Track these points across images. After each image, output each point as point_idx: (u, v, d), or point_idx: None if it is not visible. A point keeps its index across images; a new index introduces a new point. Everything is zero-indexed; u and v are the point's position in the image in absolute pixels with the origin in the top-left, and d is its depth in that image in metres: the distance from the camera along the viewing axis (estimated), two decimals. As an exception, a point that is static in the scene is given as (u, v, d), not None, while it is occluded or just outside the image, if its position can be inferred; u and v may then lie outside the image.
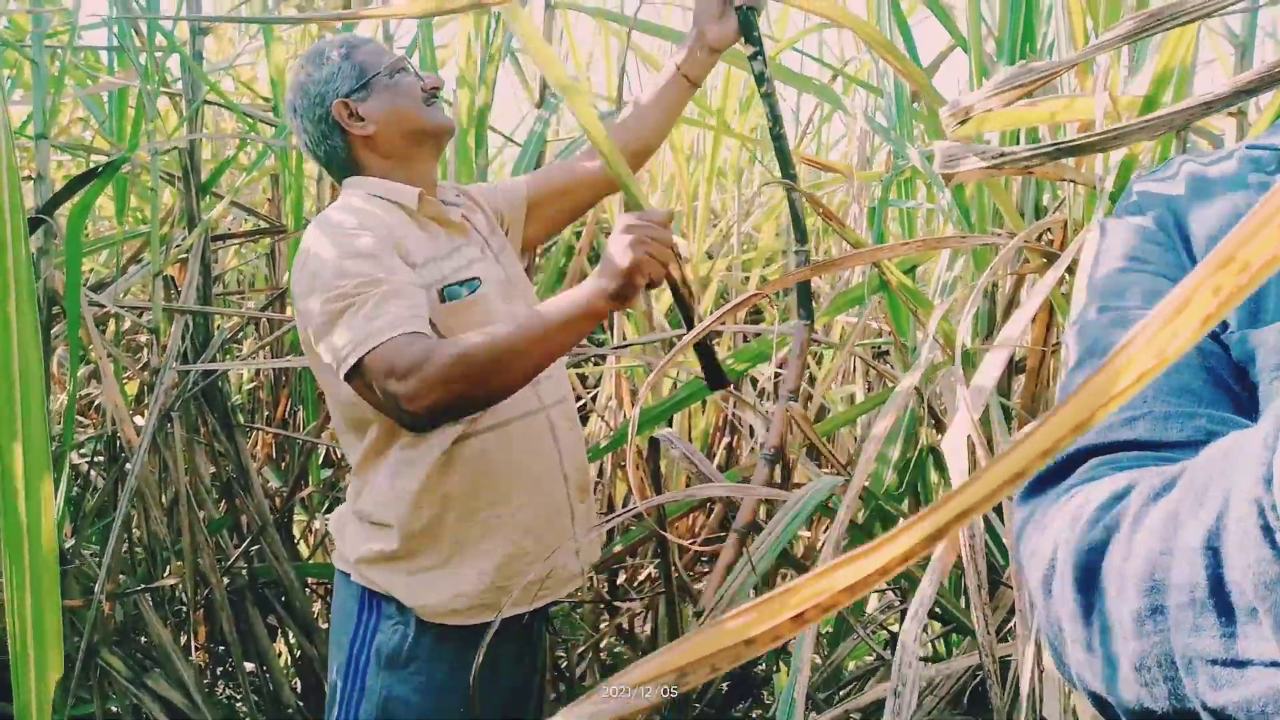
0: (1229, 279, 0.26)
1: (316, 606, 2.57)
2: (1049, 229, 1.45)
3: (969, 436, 0.90)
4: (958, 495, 0.30)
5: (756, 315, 3.31)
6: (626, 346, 2.46)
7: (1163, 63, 1.19)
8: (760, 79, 1.46)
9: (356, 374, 1.26)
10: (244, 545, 2.28)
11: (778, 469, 1.53)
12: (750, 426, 2.64)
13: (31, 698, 0.62)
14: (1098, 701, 0.46)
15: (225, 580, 2.23)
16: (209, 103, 2.32)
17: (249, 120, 2.54)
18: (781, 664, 2.29)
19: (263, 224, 2.97)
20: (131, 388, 3.04)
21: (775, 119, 1.47)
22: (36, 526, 0.63)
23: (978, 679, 1.59)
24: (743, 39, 1.47)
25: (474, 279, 1.41)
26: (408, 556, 1.39)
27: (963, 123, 0.92)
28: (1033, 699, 1.12)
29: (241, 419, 2.81)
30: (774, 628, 0.32)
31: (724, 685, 2.30)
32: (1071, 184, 1.28)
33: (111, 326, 2.60)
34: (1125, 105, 1.12)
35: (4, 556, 0.62)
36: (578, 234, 2.77)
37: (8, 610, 0.62)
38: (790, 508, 1.42)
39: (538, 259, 2.40)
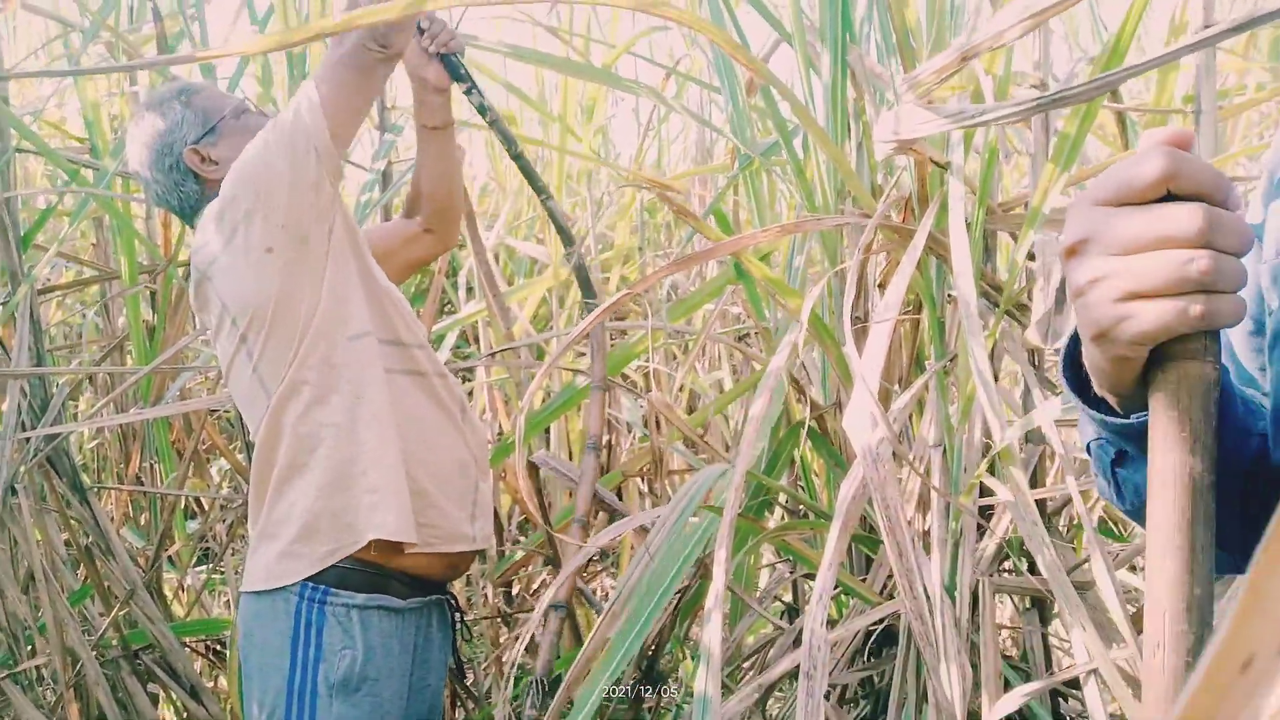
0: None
1: (199, 665, 2.45)
2: (891, 207, 1.54)
3: (871, 411, 0.95)
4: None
5: (620, 315, 3.35)
6: (495, 354, 2.45)
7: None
8: (482, 110, 1.61)
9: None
10: (114, 612, 2.15)
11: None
12: (627, 423, 2.69)
13: None
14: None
15: (96, 653, 2.10)
16: (20, 150, 2.17)
17: (70, 166, 2.38)
18: (685, 652, 2.35)
19: (90, 272, 2.80)
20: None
21: (509, 142, 1.61)
22: None
23: (872, 637, 1.68)
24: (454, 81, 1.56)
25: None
26: (332, 508, 1.42)
27: (949, 78, 0.97)
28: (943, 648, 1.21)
29: (87, 480, 2.64)
30: None
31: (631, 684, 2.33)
32: (910, 160, 1.37)
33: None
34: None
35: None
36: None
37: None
38: (682, 496, 1.47)
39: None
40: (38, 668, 2.12)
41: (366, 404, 1.43)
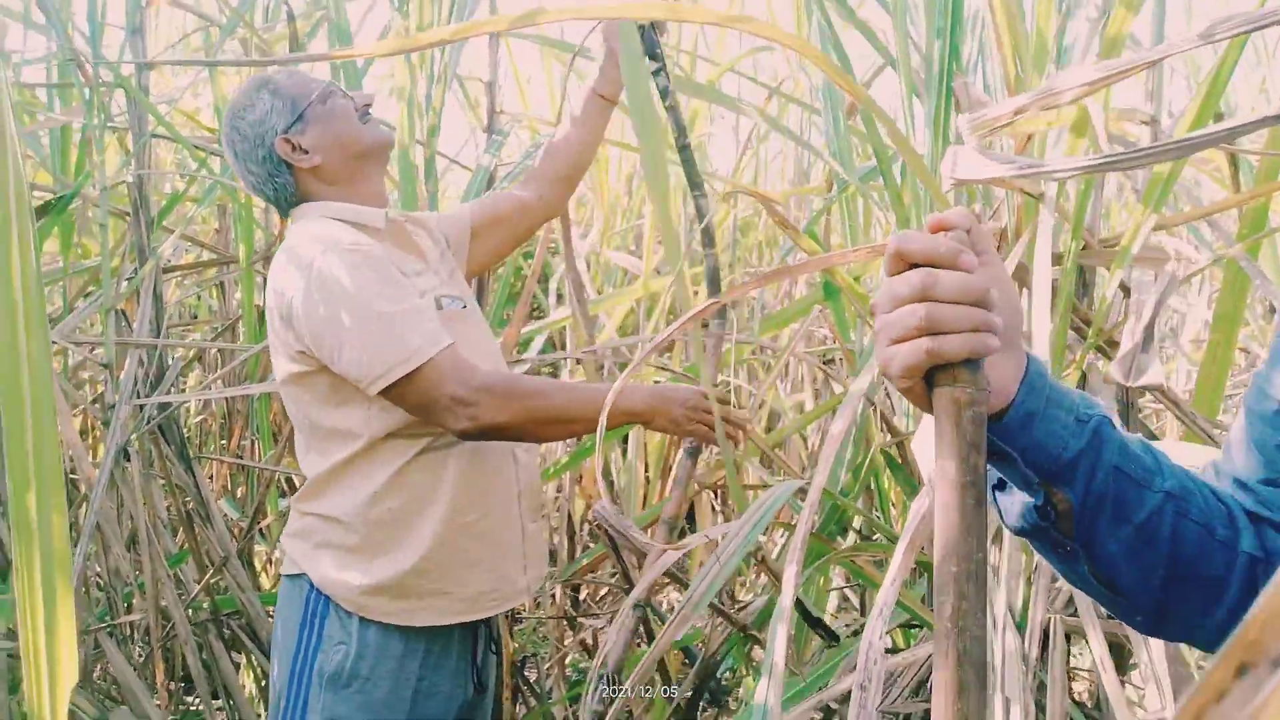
0: None
1: (279, 637, 2.55)
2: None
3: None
4: None
5: (706, 327, 3.37)
6: (580, 359, 2.50)
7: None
8: (664, 94, 1.55)
9: (399, 384, 1.31)
10: (206, 578, 2.26)
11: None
12: (706, 437, 2.70)
13: (45, 704, 0.64)
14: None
15: (188, 614, 2.21)
16: (155, 136, 2.32)
17: (199, 153, 2.53)
18: (746, 669, 2.35)
19: (209, 255, 2.96)
20: (76, 423, 2.99)
21: (680, 130, 1.57)
22: (49, 538, 0.65)
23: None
24: (646, 56, 1.53)
25: (457, 296, 1.48)
26: (357, 550, 1.41)
27: (1004, 127, 0.98)
28: (995, 677, 1.19)
29: (192, 451, 2.78)
30: None
31: (690, 693, 2.34)
32: (1007, 192, 1.37)
33: (58, 363, 2.56)
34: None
35: (20, 569, 0.64)
36: (528, 255, 2.82)
37: (20, 622, 0.64)
38: (755, 510, 1.48)
39: (489, 279, 2.43)
40: (132, 624, 2.25)
41: (439, 463, 1.43)
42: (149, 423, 2.19)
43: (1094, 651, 1.29)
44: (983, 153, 0.92)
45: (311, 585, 1.44)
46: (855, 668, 1.19)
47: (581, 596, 2.86)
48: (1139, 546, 0.66)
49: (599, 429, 1.25)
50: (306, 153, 1.45)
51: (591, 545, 2.85)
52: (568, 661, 2.70)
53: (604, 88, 1.66)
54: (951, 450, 0.59)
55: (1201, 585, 0.66)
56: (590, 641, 2.73)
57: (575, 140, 1.70)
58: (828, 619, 2.02)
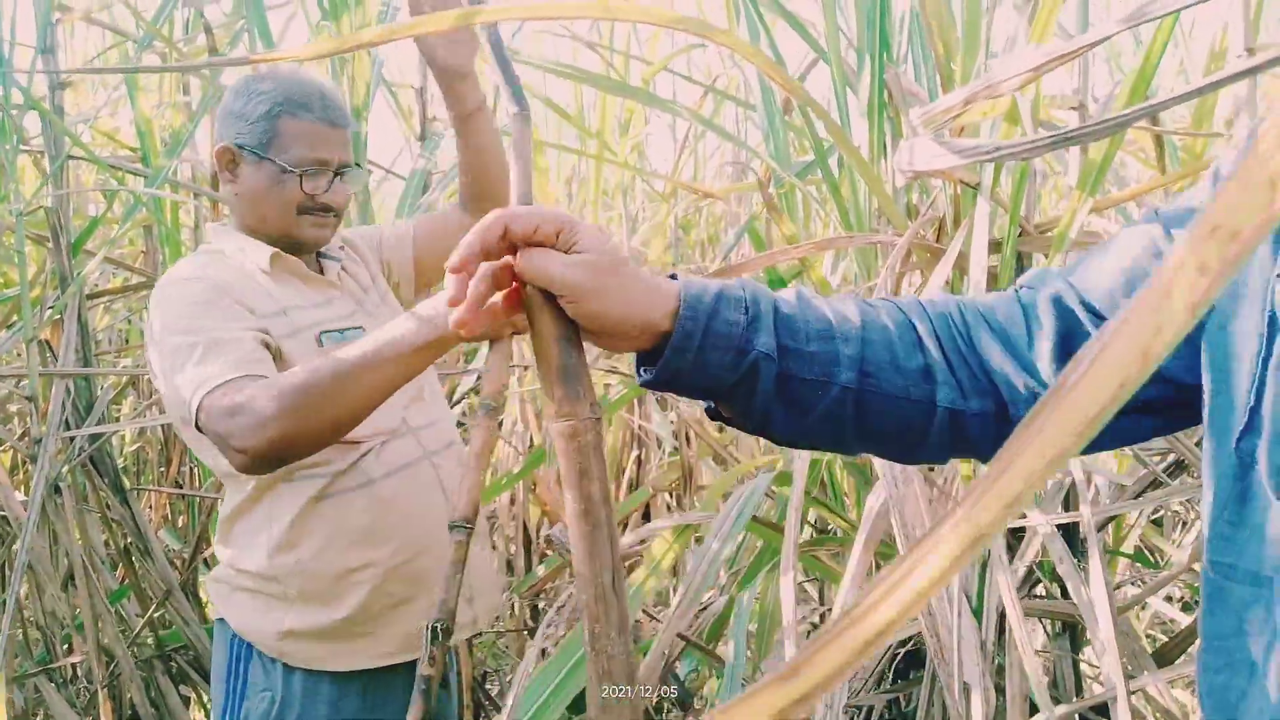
0: (1215, 252, 0.22)
1: (230, 668, 2.48)
2: (923, 226, 1.54)
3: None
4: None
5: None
6: (528, 366, 2.47)
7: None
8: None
9: (200, 426, 1.19)
10: (149, 612, 2.18)
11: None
12: (657, 438, 2.69)
13: None
14: None
15: (131, 652, 2.14)
16: (72, 157, 2.23)
17: (117, 174, 2.45)
18: (709, 670, 2.34)
19: (136, 278, 2.86)
20: (4, 459, 2.88)
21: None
22: None
23: (897, 658, 1.67)
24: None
25: (358, 327, 1.36)
26: (275, 597, 1.33)
27: (956, 118, 0.98)
28: (952, 665, 1.20)
29: (128, 482, 2.69)
30: None
31: (656, 697, 2.33)
32: (944, 182, 1.38)
33: (-18, 398, 2.46)
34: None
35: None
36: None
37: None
38: (734, 504, 1.45)
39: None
40: (73, 665, 2.17)
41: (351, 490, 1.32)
42: (80, 455, 2.11)
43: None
44: (940, 142, 0.92)
45: (233, 631, 1.36)
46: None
47: (540, 607, 2.83)
48: (820, 426, 0.70)
49: (394, 367, 1.08)
50: (234, 179, 1.35)
51: (550, 553, 2.83)
52: (530, 672, 2.67)
53: (452, 107, 1.46)
54: (566, 480, 0.60)
55: (894, 439, 0.72)
56: (552, 653, 2.70)
57: (474, 163, 1.52)
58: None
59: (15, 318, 2.45)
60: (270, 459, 1.15)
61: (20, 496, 2.18)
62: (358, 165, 1.42)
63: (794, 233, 1.52)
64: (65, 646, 2.17)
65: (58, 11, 2.18)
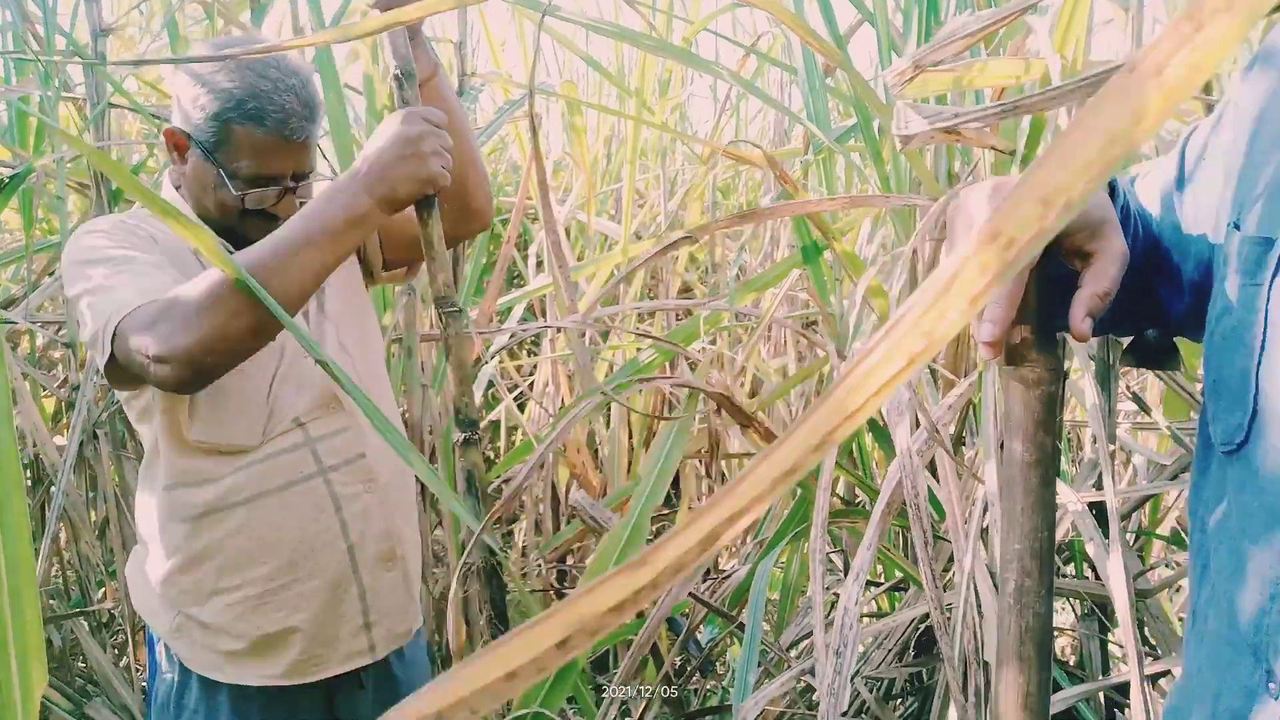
0: (995, 255, 0.26)
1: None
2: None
3: (907, 398, 0.93)
4: (711, 508, 0.28)
5: (686, 293, 3.34)
6: (562, 328, 2.46)
7: (1062, 28, 1.25)
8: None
9: (115, 362, 1.11)
10: (182, 558, 2.22)
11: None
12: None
13: (18, 710, 0.62)
14: None
15: (165, 595, 2.18)
16: (113, 105, 2.25)
17: (158, 122, 2.46)
18: (731, 638, 2.34)
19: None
20: (50, 404, 2.94)
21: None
22: (14, 537, 0.63)
23: (920, 631, 1.65)
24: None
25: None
26: (171, 604, 1.28)
27: (910, 81, 0.96)
28: (976, 643, 1.18)
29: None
30: (537, 659, 0.27)
31: (677, 661, 2.34)
32: (984, 150, 1.33)
33: (25, 344, 2.51)
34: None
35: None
36: (505, 221, 2.77)
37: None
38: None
39: (463, 250, 2.38)
40: (110, 610, 2.22)
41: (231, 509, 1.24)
42: (117, 402, 2.14)
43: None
44: (914, 108, 0.90)
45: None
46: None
47: (568, 564, 2.85)
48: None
49: (316, 250, 1.02)
50: (182, 162, 1.25)
51: (576, 519, 2.84)
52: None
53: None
54: (1018, 429, 0.58)
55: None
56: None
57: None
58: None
59: (56, 266, 2.49)
60: (198, 365, 1.06)
61: (58, 442, 2.23)
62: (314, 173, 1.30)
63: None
64: (100, 591, 2.22)
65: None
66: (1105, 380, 1.27)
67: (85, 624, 2.11)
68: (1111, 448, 1.52)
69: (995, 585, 1.30)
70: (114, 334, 1.08)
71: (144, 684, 2.19)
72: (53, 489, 1.95)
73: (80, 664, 2.19)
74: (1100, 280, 0.58)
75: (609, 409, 2.74)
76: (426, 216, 1.14)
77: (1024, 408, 0.58)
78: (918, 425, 1.12)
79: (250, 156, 1.20)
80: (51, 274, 2.49)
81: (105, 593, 2.17)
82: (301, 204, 1.24)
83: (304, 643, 1.27)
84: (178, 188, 1.30)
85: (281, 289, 1.04)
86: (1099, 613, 1.57)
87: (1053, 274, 0.59)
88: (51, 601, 2.18)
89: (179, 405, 1.20)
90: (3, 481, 0.63)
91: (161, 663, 1.31)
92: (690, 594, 1.52)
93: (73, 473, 1.96)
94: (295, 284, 1.07)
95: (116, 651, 2.22)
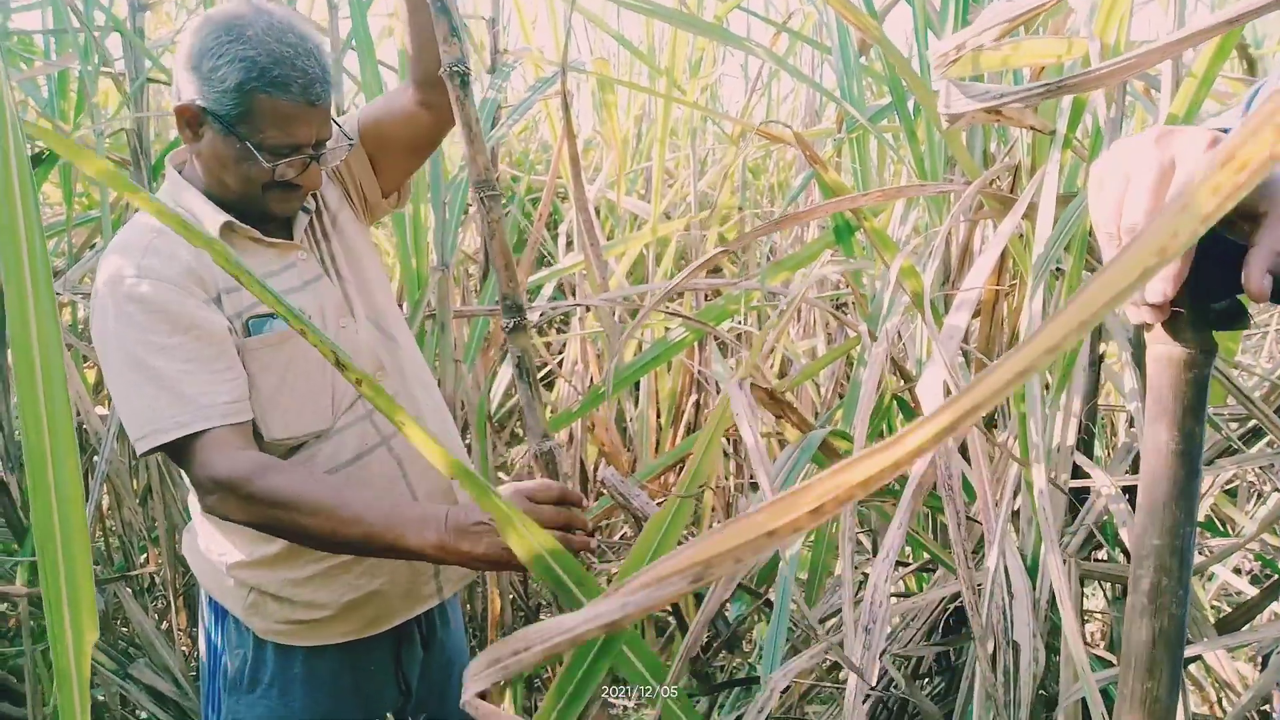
0: (1228, 178, 0.28)
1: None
2: (999, 175, 1.50)
3: (945, 380, 0.94)
4: (965, 394, 0.32)
5: (715, 272, 3.35)
6: (589, 306, 2.48)
7: (1105, 10, 1.24)
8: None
9: (163, 449, 1.15)
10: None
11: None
12: (717, 383, 2.69)
13: (70, 660, 0.64)
14: None
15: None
16: (152, 80, 2.27)
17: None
18: (758, 615, 2.36)
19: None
20: (91, 375, 2.99)
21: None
22: (66, 496, 0.65)
23: (949, 611, 1.66)
24: None
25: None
26: (244, 583, 1.30)
27: (954, 62, 0.96)
28: (1005, 622, 1.19)
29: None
30: (794, 520, 0.33)
31: (705, 637, 2.36)
32: (1022, 130, 1.33)
33: (67, 315, 2.55)
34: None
35: (36, 527, 0.64)
36: (535, 201, 2.78)
37: (42, 578, 0.63)
38: (785, 461, 1.45)
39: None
40: (152, 574, 2.27)
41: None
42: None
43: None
44: (959, 87, 0.90)
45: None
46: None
47: (596, 543, 2.88)
48: None
49: (373, 545, 1.06)
50: (197, 139, 1.21)
51: (605, 494, 2.86)
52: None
53: None
54: (1164, 415, 0.53)
55: None
56: (606, 587, 2.75)
57: (421, 26, 1.30)
58: (838, 564, 2.02)
59: (97, 239, 2.53)
60: (233, 520, 1.15)
61: (101, 411, 2.27)
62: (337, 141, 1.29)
63: (839, 183, 1.48)
64: (142, 556, 2.27)
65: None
66: (1142, 363, 1.27)
67: (129, 588, 2.16)
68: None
69: (1025, 567, 1.31)
70: (180, 438, 1.13)
71: (184, 648, 2.25)
72: (95, 457, 2.00)
73: (123, 627, 2.24)
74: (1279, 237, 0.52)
75: (637, 387, 2.76)
76: (464, 97, 1.05)
77: (1173, 392, 0.53)
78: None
79: (277, 127, 1.18)
80: (92, 247, 2.53)
81: (148, 558, 2.22)
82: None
83: (384, 600, 1.32)
84: (179, 170, 1.29)
85: (319, 533, 1.10)
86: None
87: (1209, 249, 0.53)
88: (96, 566, 2.23)
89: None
90: (57, 443, 0.65)
91: (232, 638, 1.33)
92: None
93: (115, 441, 2.00)
94: (331, 542, 1.12)
95: (158, 615, 2.27)
